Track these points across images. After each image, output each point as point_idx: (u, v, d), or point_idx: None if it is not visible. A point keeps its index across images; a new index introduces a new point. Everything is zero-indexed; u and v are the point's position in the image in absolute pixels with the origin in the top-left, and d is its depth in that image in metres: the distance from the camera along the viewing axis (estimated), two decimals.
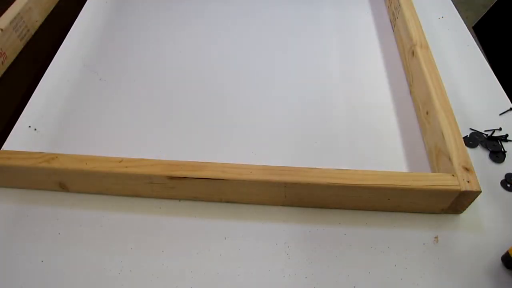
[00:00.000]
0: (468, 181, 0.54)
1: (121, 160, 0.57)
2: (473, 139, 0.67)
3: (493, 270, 0.53)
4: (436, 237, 0.56)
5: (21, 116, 0.72)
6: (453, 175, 0.55)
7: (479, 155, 0.66)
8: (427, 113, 0.66)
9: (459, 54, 0.83)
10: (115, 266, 0.54)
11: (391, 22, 0.91)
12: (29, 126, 0.70)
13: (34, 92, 0.76)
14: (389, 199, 0.57)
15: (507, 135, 0.68)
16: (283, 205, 0.60)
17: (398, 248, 0.56)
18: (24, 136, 0.69)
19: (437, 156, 0.61)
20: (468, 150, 0.66)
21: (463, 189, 0.54)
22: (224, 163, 0.57)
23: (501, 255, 0.54)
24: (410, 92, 0.75)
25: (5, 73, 0.74)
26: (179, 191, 0.59)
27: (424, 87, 0.68)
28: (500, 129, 0.69)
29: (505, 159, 0.65)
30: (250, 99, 0.75)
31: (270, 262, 0.54)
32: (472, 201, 0.56)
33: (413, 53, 0.75)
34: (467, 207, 0.58)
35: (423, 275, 0.53)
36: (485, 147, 0.67)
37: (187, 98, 0.75)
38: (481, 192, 0.54)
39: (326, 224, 0.58)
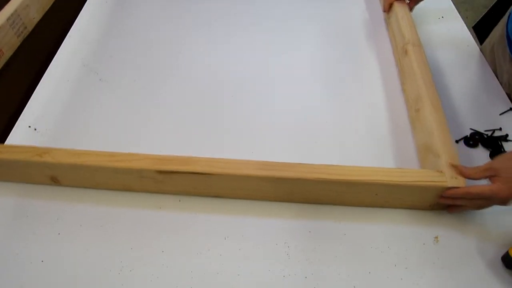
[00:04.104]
0: (455, 178, 0.54)
1: (112, 155, 0.57)
2: (473, 139, 0.67)
3: (493, 270, 0.53)
4: (436, 237, 0.56)
5: (21, 116, 0.72)
6: (440, 172, 0.55)
7: (479, 155, 0.66)
8: (417, 110, 0.67)
9: (459, 54, 0.83)
10: (115, 266, 0.54)
11: (385, 21, 0.91)
12: (29, 126, 0.70)
13: (34, 92, 0.76)
14: (376, 194, 0.57)
15: (507, 135, 0.68)
16: (273, 200, 0.60)
17: (398, 248, 0.56)
18: (24, 136, 0.69)
19: (426, 153, 0.62)
20: (468, 150, 0.66)
21: (450, 185, 0.54)
22: (212, 157, 0.57)
23: (501, 255, 0.54)
24: (403, 90, 0.76)
25: (5, 73, 0.74)
26: (169, 186, 0.59)
27: (415, 84, 0.68)
28: (500, 129, 0.69)
29: None
30: (241, 96, 0.75)
31: (270, 262, 0.54)
32: None
33: (405, 51, 0.75)
34: None
35: (423, 275, 0.53)
36: (485, 147, 0.66)
37: (183, 96, 0.75)
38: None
39: (321, 220, 0.58)
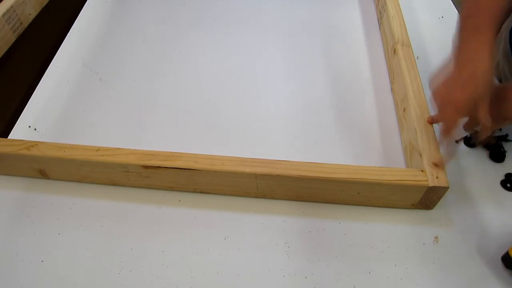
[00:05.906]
0: (436, 177, 0.54)
1: (98, 149, 0.58)
2: (474, 139, 0.67)
3: (493, 270, 0.53)
4: (436, 237, 0.56)
5: (21, 116, 0.72)
6: (422, 171, 0.55)
7: (479, 155, 0.66)
8: (404, 110, 0.67)
9: None
10: (115, 266, 0.54)
11: (378, 20, 0.92)
12: (29, 126, 0.70)
13: (34, 92, 0.76)
14: (358, 193, 0.57)
15: (507, 135, 0.68)
16: (256, 196, 0.60)
17: (398, 248, 0.56)
18: (24, 136, 0.69)
19: (411, 152, 0.62)
20: (468, 150, 0.66)
21: (431, 184, 0.54)
22: (197, 153, 0.57)
23: (501, 255, 0.54)
24: (391, 89, 0.76)
25: (5, 73, 0.74)
26: (154, 181, 0.59)
27: (402, 84, 0.68)
28: (500, 129, 0.69)
29: (505, 159, 0.65)
30: (241, 96, 0.76)
31: (270, 262, 0.54)
32: (441, 196, 0.56)
33: (395, 51, 0.75)
34: (437, 203, 0.58)
35: (423, 275, 0.53)
36: (485, 147, 0.66)
37: (183, 95, 0.76)
38: (449, 188, 0.54)
39: (321, 219, 0.58)
